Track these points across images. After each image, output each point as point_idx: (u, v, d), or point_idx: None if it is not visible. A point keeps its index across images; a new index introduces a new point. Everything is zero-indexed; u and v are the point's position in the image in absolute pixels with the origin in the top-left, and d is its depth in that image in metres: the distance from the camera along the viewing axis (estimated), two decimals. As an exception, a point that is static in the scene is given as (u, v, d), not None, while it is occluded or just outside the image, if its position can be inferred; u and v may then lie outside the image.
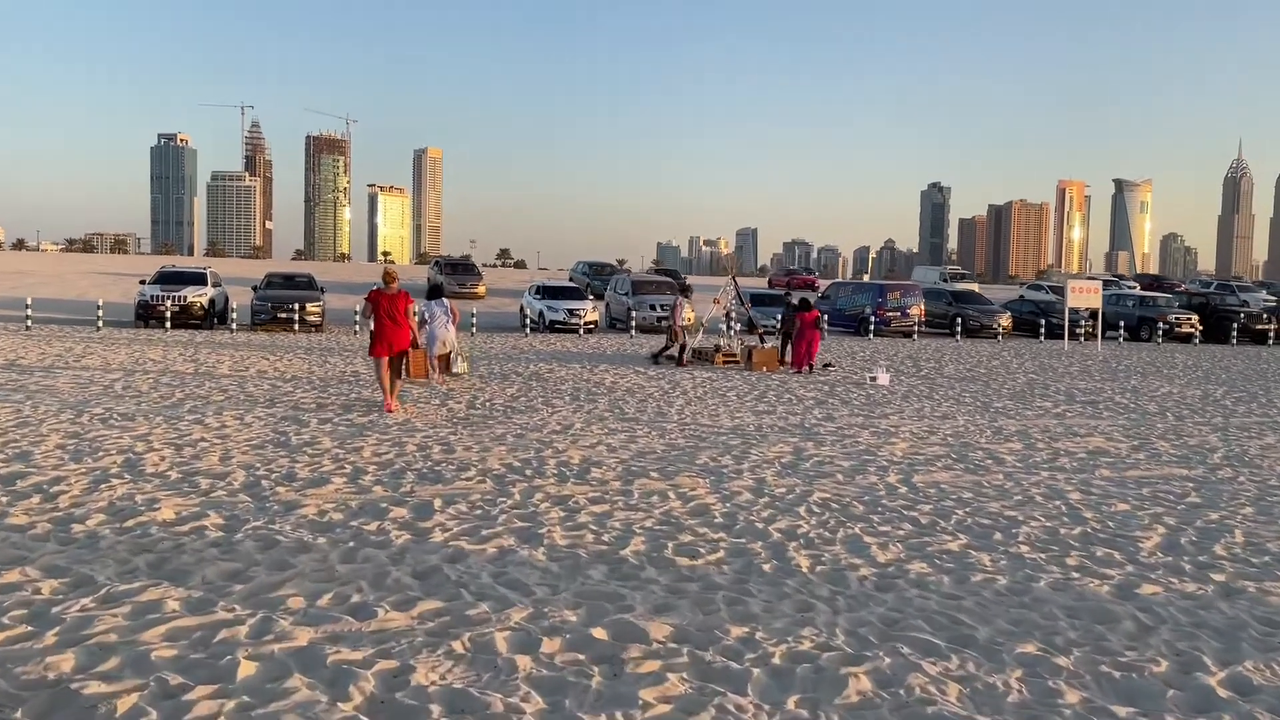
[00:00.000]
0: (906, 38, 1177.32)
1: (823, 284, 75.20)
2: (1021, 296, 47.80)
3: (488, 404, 14.25)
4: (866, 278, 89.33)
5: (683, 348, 21.58)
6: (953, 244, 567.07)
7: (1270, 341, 38.07)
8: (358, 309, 20.55)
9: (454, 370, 18.32)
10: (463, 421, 12.41)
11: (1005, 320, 37.40)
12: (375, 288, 13.51)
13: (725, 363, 22.13)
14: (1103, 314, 33.98)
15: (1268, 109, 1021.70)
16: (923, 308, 36.65)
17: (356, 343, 24.68)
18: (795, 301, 23.20)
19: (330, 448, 10.19)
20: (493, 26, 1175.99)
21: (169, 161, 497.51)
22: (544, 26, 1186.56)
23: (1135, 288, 53.15)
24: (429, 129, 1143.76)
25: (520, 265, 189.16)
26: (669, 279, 41.06)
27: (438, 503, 7.72)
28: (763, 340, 23.75)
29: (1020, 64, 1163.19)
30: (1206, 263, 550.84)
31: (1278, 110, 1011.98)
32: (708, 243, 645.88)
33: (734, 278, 26.08)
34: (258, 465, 9.10)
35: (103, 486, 8.06)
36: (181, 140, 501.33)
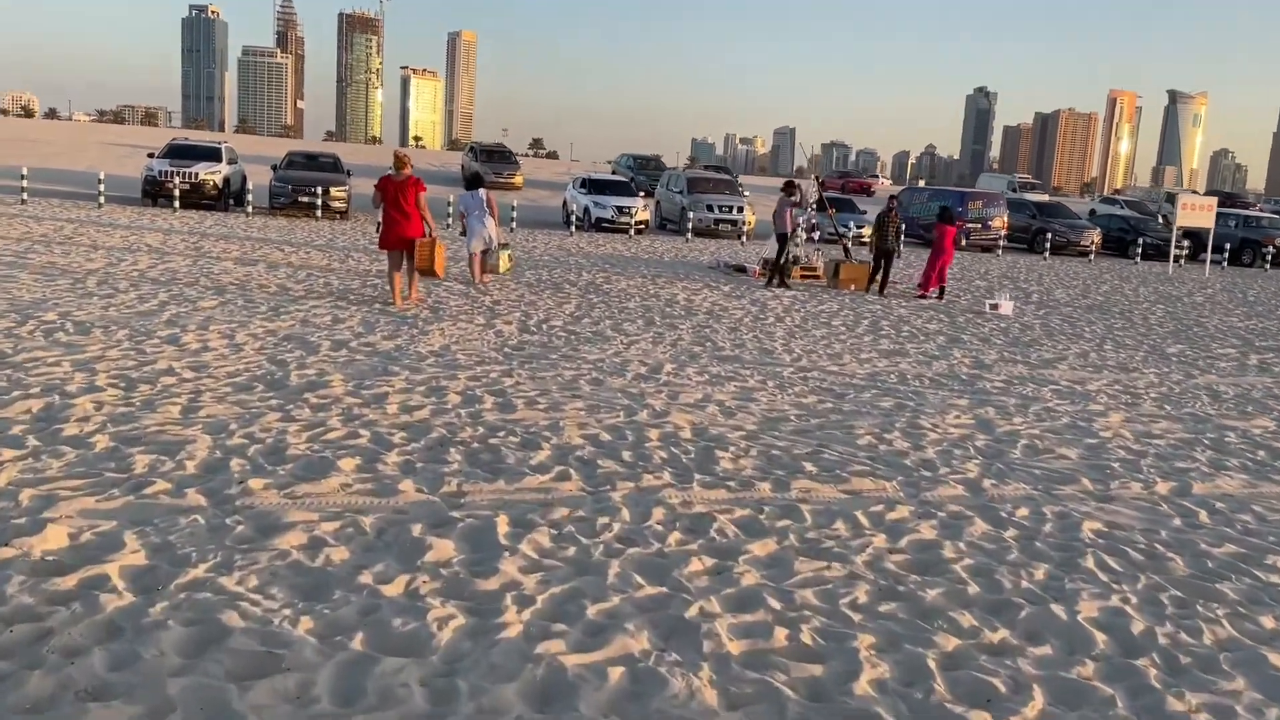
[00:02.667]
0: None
1: (879, 187, 70.93)
2: (1093, 211, 43.97)
3: (544, 326, 11.34)
4: (923, 182, 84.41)
5: (779, 265, 17.79)
6: (995, 152, 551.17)
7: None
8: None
9: (495, 269, 15.56)
10: (517, 354, 9.52)
11: (1096, 237, 33.82)
12: (385, 174, 12.23)
13: (804, 278, 19.04)
14: (1211, 235, 30.40)
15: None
16: (1006, 220, 33.14)
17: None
18: (936, 211, 19.82)
19: (341, 395, 7.34)
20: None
21: (200, 34, 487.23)
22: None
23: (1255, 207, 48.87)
24: (463, 10, 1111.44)
25: (553, 156, 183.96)
26: (727, 177, 37.53)
27: (502, 525, 4.81)
28: (848, 253, 20.60)
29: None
30: (1256, 181, 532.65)
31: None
32: (744, 141, 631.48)
33: (819, 180, 22.71)
34: (233, 426, 6.27)
35: (-11, 461, 5.27)
36: (213, 12, 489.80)
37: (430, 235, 12.14)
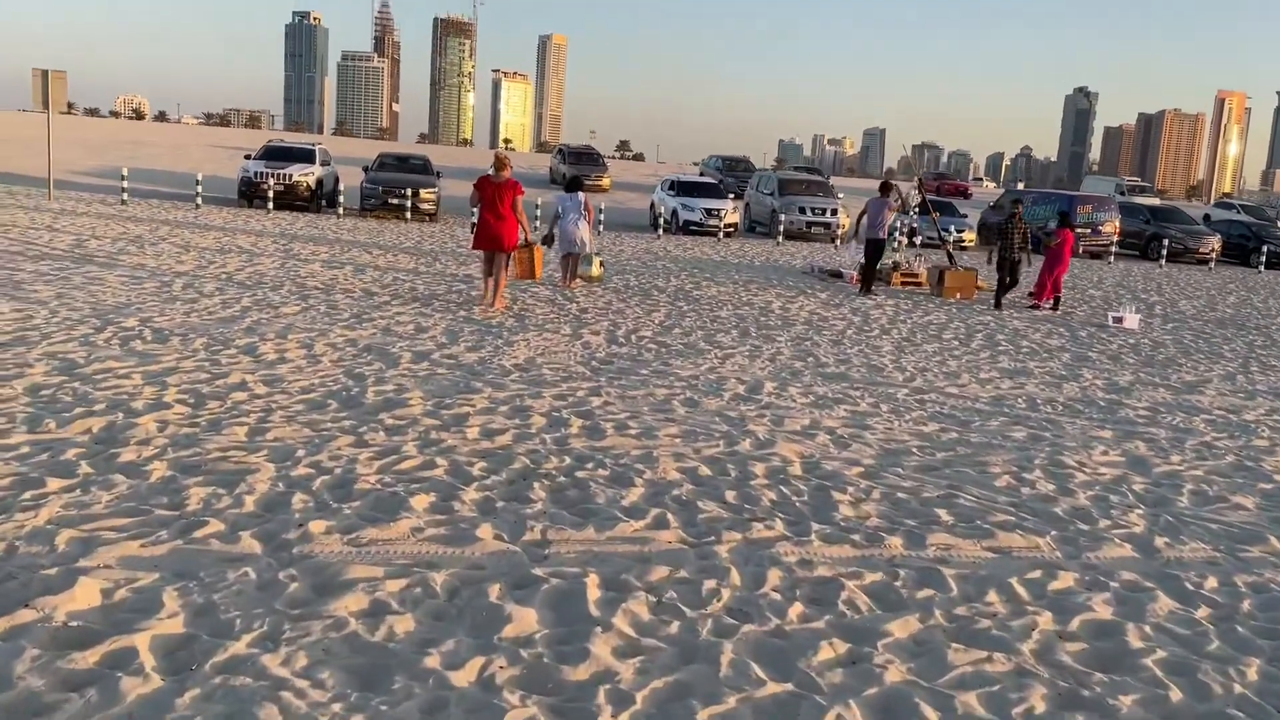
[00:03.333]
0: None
1: (982, 190, 68.76)
2: (1207, 217, 41.63)
3: (633, 337, 10.67)
4: (1022, 185, 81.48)
5: (872, 272, 16.73)
6: (1095, 154, 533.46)
7: None
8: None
9: (588, 274, 15.07)
10: (606, 368, 8.86)
11: (1216, 244, 31.78)
12: (484, 175, 12.13)
13: (905, 284, 18.03)
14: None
15: None
16: (1118, 225, 31.37)
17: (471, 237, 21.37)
18: (1053, 221, 18.60)
19: (419, 415, 6.77)
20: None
21: (302, 39, 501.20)
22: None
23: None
24: (555, 14, 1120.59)
25: (639, 158, 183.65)
26: (819, 178, 36.43)
27: (593, 589, 4.09)
28: (952, 259, 19.50)
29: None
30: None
31: None
32: (832, 141, 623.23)
33: (920, 181, 21.61)
34: (300, 452, 5.73)
35: (25, 493, 4.80)
36: (315, 19, 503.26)
37: (527, 241, 12.17)
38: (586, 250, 15.02)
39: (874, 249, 16.32)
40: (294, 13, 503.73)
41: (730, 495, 5.50)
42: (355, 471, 5.41)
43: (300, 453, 5.69)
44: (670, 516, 5.08)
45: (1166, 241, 30.85)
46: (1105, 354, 11.84)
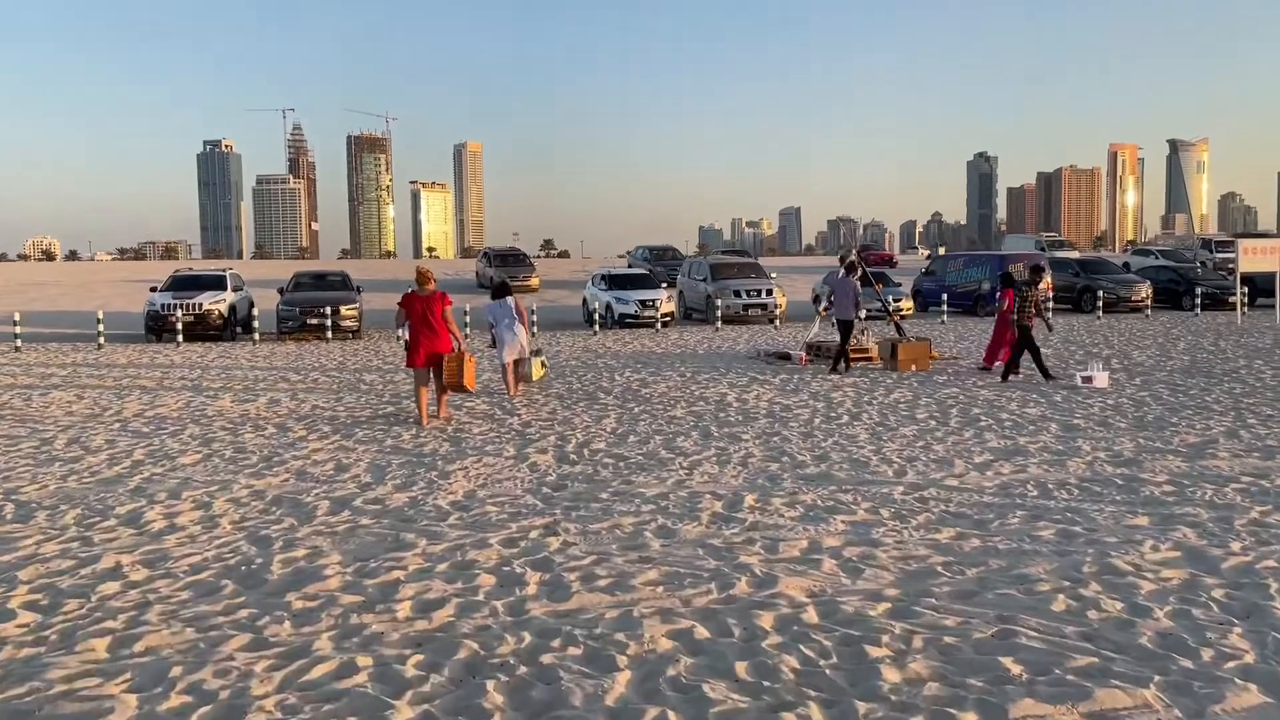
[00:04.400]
0: (939, 5, 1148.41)
1: (911, 258, 69.51)
2: (1126, 265, 42.17)
3: (586, 451, 9.49)
4: (927, 252, 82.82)
5: (844, 352, 16.31)
6: (1001, 214, 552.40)
7: None
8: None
9: (529, 378, 14.00)
10: (560, 496, 7.64)
11: (1147, 291, 31.87)
12: (409, 290, 11.76)
13: (856, 360, 17.21)
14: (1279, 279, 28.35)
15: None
16: (1050, 280, 31.27)
17: (399, 353, 20.09)
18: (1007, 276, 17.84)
19: (337, 589, 5.47)
20: (523, 14, 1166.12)
21: (215, 168, 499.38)
22: (571, 14, 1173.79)
23: None
24: (467, 123, 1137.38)
25: (564, 255, 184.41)
26: (750, 260, 36.02)
27: None
28: (902, 331, 18.79)
29: (1061, 24, 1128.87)
30: (1267, 221, 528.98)
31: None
32: (750, 224, 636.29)
33: (858, 254, 21.00)
34: (175, 670, 4.38)
35: None
36: (226, 146, 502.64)
37: (459, 350, 11.64)
38: (526, 354, 14.00)
39: (846, 329, 16.06)
40: (205, 142, 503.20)
41: (741, 668, 4.29)
42: (247, 696, 4.09)
43: (176, 671, 4.35)
44: (672, 715, 3.85)
45: (1100, 293, 30.86)
46: (1091, 419, 10.96)
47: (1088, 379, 13.96)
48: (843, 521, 6.80)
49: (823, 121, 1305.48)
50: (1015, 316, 14.58)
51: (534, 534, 6.55)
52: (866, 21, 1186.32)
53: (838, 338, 16.63)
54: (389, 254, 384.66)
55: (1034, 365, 14.58)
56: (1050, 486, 7.75)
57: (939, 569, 5.71)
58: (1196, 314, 29.62)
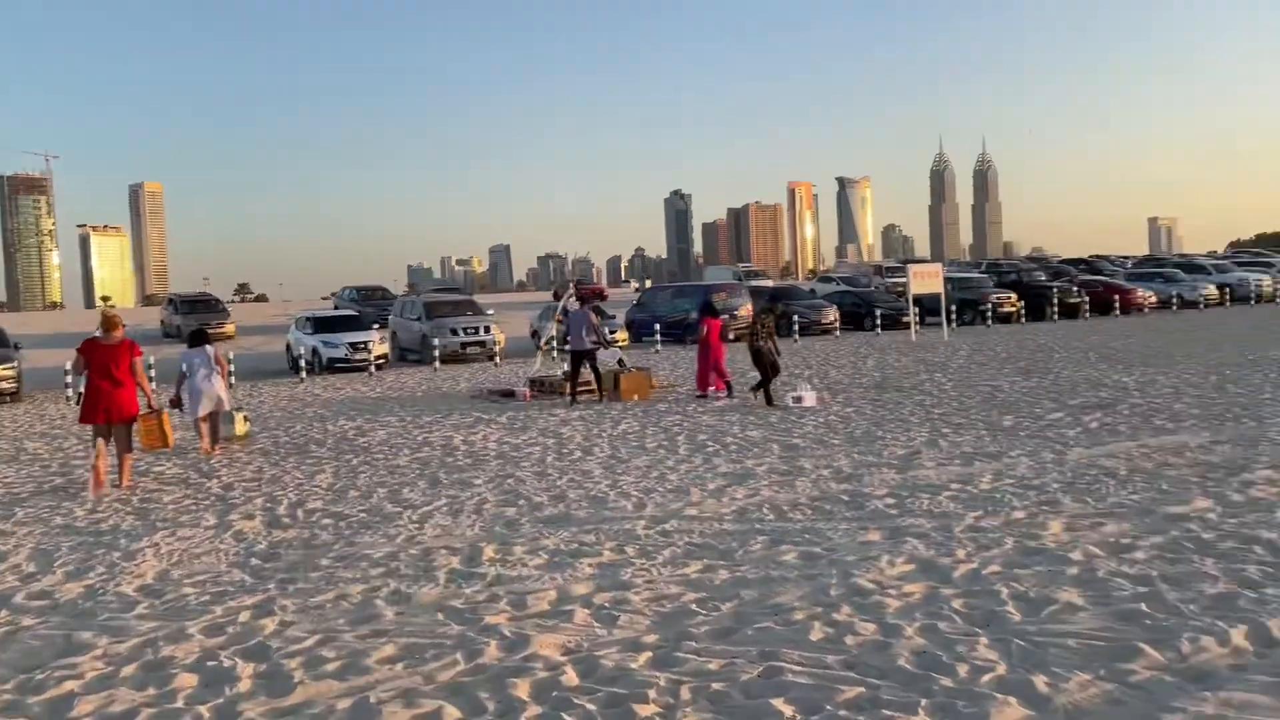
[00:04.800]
0: (631, 48, 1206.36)
1: (611, 293, 71.32)
2: (812, 291, 45.74)
3: (299, 512, 8.58)
4: (637, 285, 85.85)
5: (575, 382, 16.70)
6: (698, 247, 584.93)
7: (1085, 316, 37.39)
8: (68, 366, 14.12)
9: (231, 434, 12.80)
10: (272, 567, 6.76)
11: (834, 314, 34.55)
12: (90, 337, 10.50)
13: (582, 392, 17.17)
14: (936, 299, 31.59)
15: (961, 108, 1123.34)
16: (750, 308, 33.08)
17: (69, 413, 17.70)
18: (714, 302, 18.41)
19: (-12, 716, 4.41)
20: (204, 42, 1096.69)
21: None
22: (256, 43, 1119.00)
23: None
24: (144, 162, 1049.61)
25: (262, 299, 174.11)
26: (466, 297, 35.39)
27: None
28: (622, 362, 18.99)
29: (741, 67, 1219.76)
30: (922, 249, 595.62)
31: (970, 108, 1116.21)
32: (460, 262, 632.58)
33: (576, 286, 21.07)
34: None
35: None
36: None
37: (152, 407, 10.84)
38: (226, 407, 12.73)
39: (578, 360, 16.33)
40: None
41: (502, 752, 3.80)
42: None
43: None
44: (427, 823, 3.30)
45: (795, 317, 33.02)
46: (809, 438, 11.40)
47: (798, 399, 14.62)
48: (590, 565, 6.47)
49: (528, 159, 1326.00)
50: (751, 341, 15.14)
51: (244, 616, 5.69)
52: (562, 68, 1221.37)
53: (568, 367, 16.79)
54: (55, 305, 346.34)
55: (761, 387, 15.03)
56: (784, 508, 7.84)
57: (694, 607, 5.50)
58: (878, 333, 32.32)
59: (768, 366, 14.90)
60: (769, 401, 14.72)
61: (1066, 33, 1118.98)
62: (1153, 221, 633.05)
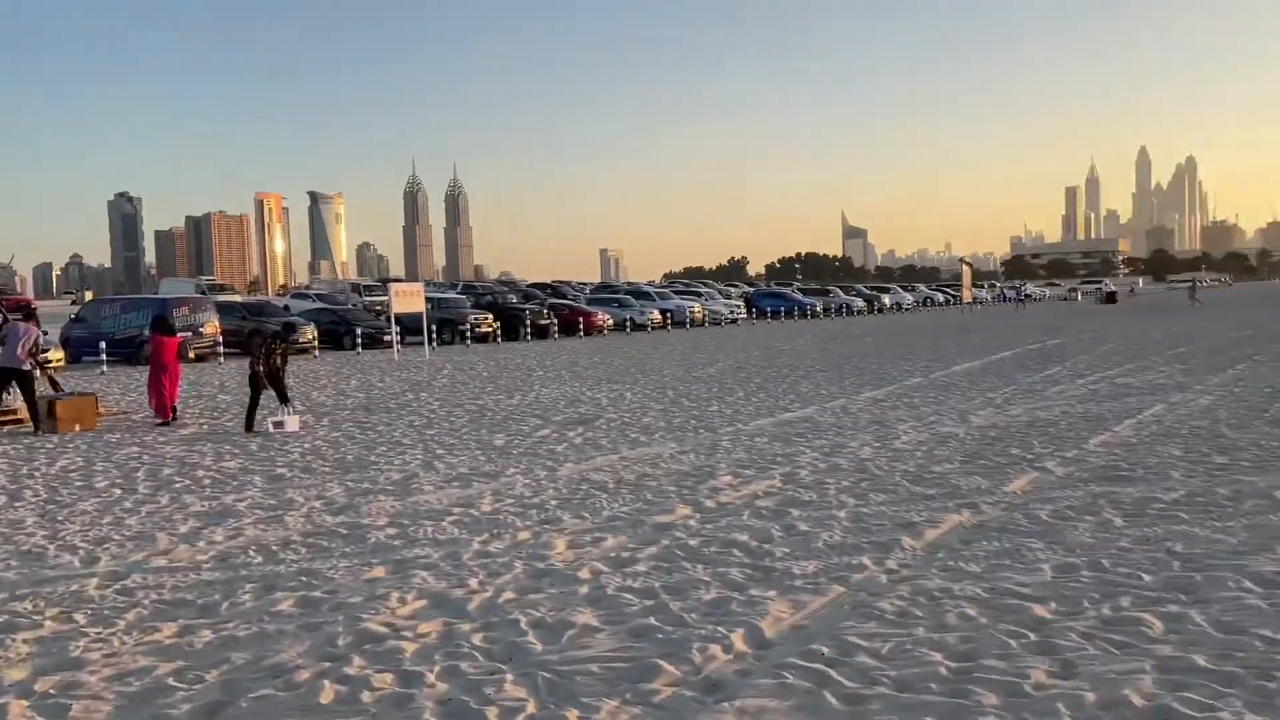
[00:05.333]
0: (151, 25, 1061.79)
1: (44, 306, 61.85)
2: (286, 307, 43.85)
3: None
4: (90, 294, 75.13)
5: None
6: (150, 257, 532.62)
7: (555, 336, 40.07)
8: None
9: None
10: None
11: (312, 333, 33.12)
12: None
13: (3, 423, 14.43)
14: (425, 319, 31.75)
15: (435, 132, 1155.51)
16: (218, 324, 30.49)
17: None
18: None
19: None
20: None
21: None
22: None
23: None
24: None
25: None
26: None
27: None
28: (57, 385, 16.20)
29: (205, 64, 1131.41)
30: (397, 269, 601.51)
31: (442, 133, 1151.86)
32: None
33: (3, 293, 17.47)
34: None
35: None
36: None
37: None
38: None
39: (18, 379, 13.90)
40: None
41: None
42: None
43: None
44: None
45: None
46: (295, 467, 10.50)
47: (279, 424, 13.52)
48: (25, 641, 5.14)
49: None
50: (256, 364, 13.71)
51: None
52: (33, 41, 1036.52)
53: None
54: None
55: (246, 412, 13.66)
56: (274, 548, 7.00)
57: (171, 681, 4.56)
58: (359, 353, 31.58)
59: (260, 390, 13.71)
60: (248, 427, 13.44)
61: (524, 64, 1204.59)
62: (604, 252, 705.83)
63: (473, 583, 6.04)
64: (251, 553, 6.90)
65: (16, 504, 8.82)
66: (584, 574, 6.16)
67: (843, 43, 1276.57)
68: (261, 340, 14.28)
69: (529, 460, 10.52)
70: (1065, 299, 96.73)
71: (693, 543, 6.84)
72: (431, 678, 4.54)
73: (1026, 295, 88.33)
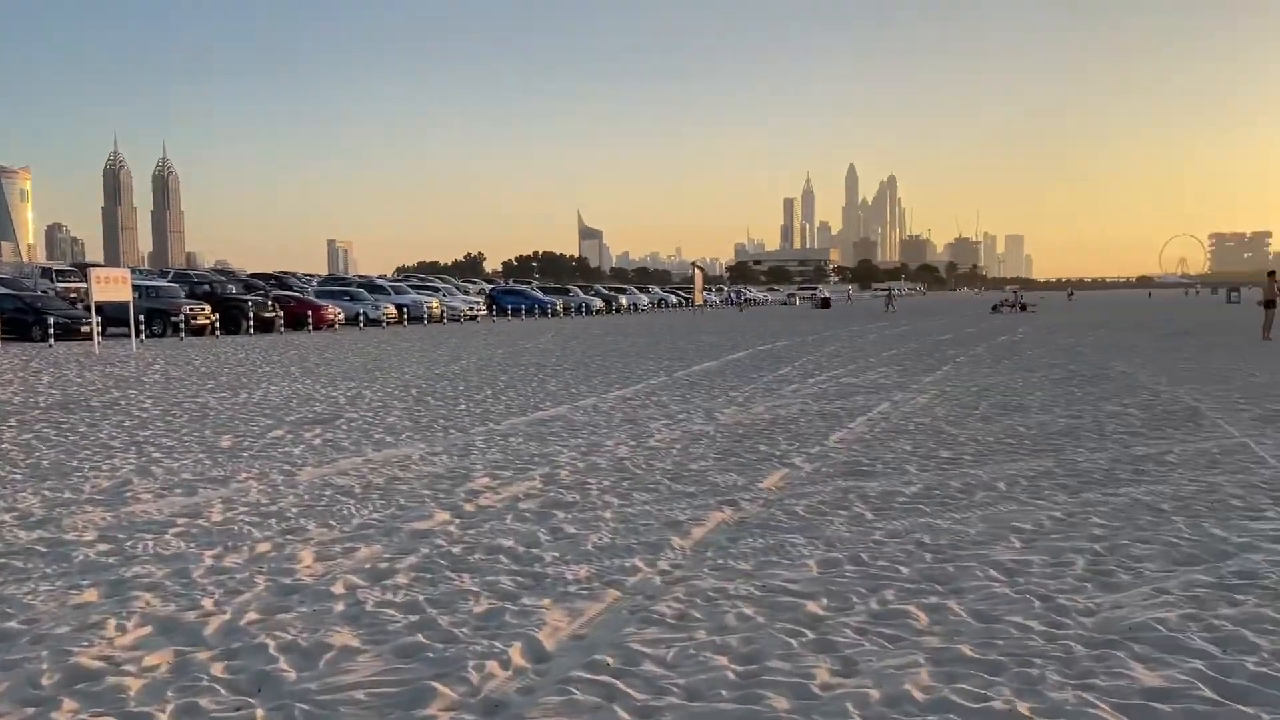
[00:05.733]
0: None
1: None
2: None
3: None
4: None
5: None
6: None
7: (281, 330, 37.72)
8: None
9: None
10: None
11: (-9, 323, 29.35)
12: None
13: None
14: (132, 308, 28.81)
15: (141, 107, 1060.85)
16: None
17: None
18: None
19: None
20: None
21: None
22: None
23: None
24: None
25: None
26: None
27: None
28: None
29: None
30: (95, 254, 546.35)
31: (151, 110, 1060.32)
32: None
33: None
34: None
35: None
36: None
37: None
38: None
39: None
40: None
41: None
42: None
43: None
44: None
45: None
46: (-23, 474, 9.03)
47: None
48: None
49: None
50: None
51: None
52: None
53: None
54: None
55: None
56: (-49, 573, 5.89)
57: None
58: (51, 345, 28.25)
59: None
60: None
61: (240, 40, 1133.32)
62: (332, 243, 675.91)
63: (207, 603, 5.33)
64: (-79, 579, 5.77)
65: None
66: (338, 589, 5.60)
67: (576, 48, 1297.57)
68: None
69: (262, 463, 9.63)
70: (785, 303, 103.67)
71: (455, 550, 6.42)
72: (164, 719, 3.90)
73: (746, 299, 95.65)
